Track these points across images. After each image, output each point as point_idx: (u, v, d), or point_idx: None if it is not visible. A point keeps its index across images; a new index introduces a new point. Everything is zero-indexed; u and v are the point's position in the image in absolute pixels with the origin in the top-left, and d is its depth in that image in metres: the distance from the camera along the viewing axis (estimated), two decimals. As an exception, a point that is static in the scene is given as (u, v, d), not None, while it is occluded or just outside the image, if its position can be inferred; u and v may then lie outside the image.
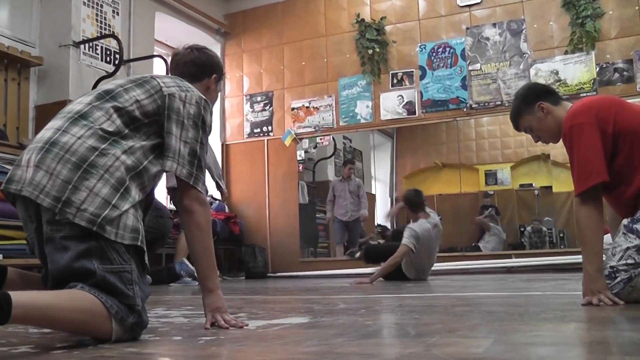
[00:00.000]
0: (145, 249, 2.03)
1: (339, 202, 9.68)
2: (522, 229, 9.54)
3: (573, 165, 2.84)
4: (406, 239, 6.18)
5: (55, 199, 1.89)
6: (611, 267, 2.66)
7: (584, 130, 2.77)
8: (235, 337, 1.95)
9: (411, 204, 6.54)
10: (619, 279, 2.62)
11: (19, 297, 1.59)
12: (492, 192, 10.16)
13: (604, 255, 2.79)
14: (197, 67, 2.58)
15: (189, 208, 2.21)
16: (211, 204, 8.64)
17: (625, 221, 2.73)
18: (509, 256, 8.22)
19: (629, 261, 2.61)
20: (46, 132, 2.10)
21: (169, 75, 2.52)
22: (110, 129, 2.07)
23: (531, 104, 3.08)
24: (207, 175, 6.80)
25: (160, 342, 1.92)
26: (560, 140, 3.04)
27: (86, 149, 1.99)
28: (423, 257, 6.36)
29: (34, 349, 1.79)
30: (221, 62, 2.78)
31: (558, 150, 8.95)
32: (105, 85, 2.27)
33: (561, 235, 9.10)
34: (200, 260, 2.24)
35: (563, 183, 9.01)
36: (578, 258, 7.02)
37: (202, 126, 2.27)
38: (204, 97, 2.32)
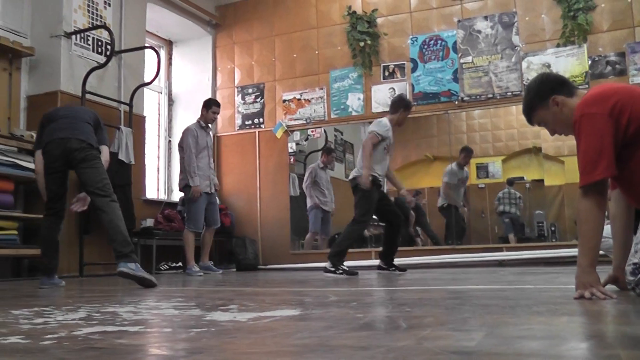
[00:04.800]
0: None
1: (321, 189, 9.51)
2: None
3: (579, 155, 2.74)
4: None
5: None
6: (634, 263, 2.68)
7: (596, 121, 2.67)
8: (226, 329, 1.94)
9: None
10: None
11: None
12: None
13: (604, 251, 2.80)
14: None
15: None
16: None
17: None
18: (500, 249, 8.23)
19: None
20: None
21: None
22: None
23: (545, 99, 2.96)
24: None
25: (151, 334, 1.91)
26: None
27: None
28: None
29: (24, 339, 1.77)
30: None
31: (549, 143, 8.97)
32: None
33: (552, 228, 9.11)
34: None
35: (554, 176, 9.03)
36: (569, 252, 7.02)
37: None
38: None
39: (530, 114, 3.06)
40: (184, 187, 7.54)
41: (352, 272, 6.12)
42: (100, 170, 4.87)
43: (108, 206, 4.73)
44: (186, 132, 7.59)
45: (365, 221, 6.43)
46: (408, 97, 8.60)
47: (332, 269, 6.12)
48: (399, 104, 6.58)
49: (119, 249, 4.63)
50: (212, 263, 7.88)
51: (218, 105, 7.87)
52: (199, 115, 7.82)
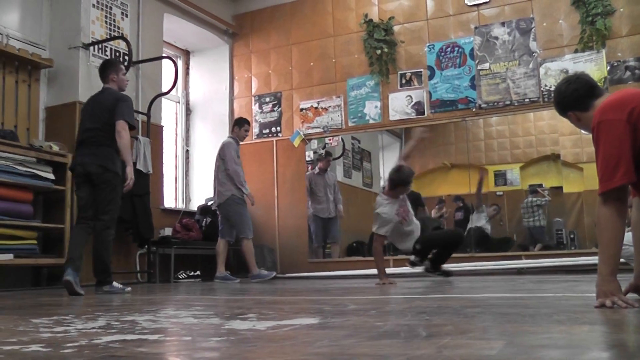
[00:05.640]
0: None
1: (317, 197, 9.48)
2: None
3: (598, 162, 2.71)
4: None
5: None
6: None
7: (613, 127, 2.65)
8: (245, 337, 1.94)
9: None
10: None
11: None
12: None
13: (625, 259, 2.75)
14: None
15: None
16: None
17: None
18: (518, 257, 8.18)
19: None
20: None
21: None
22: None
23: (564, 112, 3.04)
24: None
25: (170, 342, 1.91)
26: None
27: None
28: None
29: (45, 347, 1.78)
30: None
31: (568, 150, 8.91)
32: None
33: (571, 236, 9.04)
34: None
35: (573, 183, 8.96)
36: (589, 260, 6.96)
37: None
38: None
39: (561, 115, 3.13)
40: (229, 197, 7.67)
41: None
42: (108, 198, 5.43)
43: (100, 235, 5.37)
44: (228, 145, 7.79)
45: None
46: (425, 106, 8.63)
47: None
48: (394, 182, 6.39)
49: (98, 277, 5.37)
50: (229, 273, 7.91)
51: (249, 123, 8.18)
52: (216, 123, 7.90)
